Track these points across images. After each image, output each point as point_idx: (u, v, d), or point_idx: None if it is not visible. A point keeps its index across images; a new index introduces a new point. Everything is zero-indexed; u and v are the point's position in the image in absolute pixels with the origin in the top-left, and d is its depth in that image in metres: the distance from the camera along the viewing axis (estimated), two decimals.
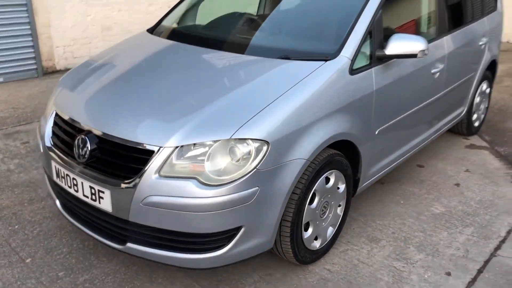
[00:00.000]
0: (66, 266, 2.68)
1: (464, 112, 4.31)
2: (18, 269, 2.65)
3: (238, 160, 2.21)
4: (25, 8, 6.26)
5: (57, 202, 2.76)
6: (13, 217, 3.14)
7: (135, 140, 2.28)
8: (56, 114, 2.73)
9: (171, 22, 3.57)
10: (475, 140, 4.62)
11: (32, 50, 6.46)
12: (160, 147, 2.22)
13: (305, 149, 2.39)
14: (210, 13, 3.64)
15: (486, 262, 2.80)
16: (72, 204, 2.63)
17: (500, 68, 7.04)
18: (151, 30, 3.50)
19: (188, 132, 2.24)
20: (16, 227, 3.04)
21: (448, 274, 2.69)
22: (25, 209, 3.24)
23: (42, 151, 2.76)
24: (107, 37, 7.26)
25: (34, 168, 3.84)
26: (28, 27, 6.35)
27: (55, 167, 2.59)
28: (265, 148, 2.24)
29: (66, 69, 6.85)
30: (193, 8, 3.69)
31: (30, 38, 6.41)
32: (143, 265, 2.69)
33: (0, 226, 3.05)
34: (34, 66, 6.51)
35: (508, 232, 3.10)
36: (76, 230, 2.99)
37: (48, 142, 2.69)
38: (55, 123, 2.73)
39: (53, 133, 2.71)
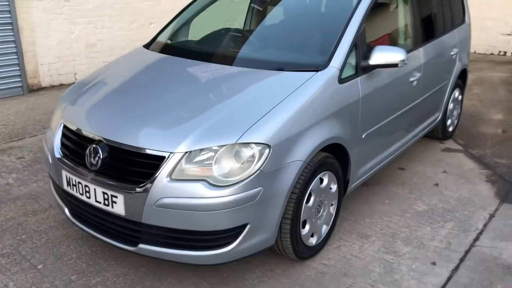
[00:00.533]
0: (78, 270, 2.82)
1: (439, 117, 4.62)
2: (31, 274, 2.78)
3: (243, 163, 2.42)
4: (10, 27, 6.35)
5: (66, 210, 2.90)
6: (19, 228, 3.26)
7: (146, 147, 2.46)
8: (64, 126, 2.89)
9: (165, 38, 3.76)
10: (450, 144, 4.94)
11: (18, 68, 6.53)
12: (171, 152, 2.41)
13: (302, 151, 2.61)
14: (202, 29, 3.86)
15: (467, 252, 3.06)
16: (82, 211, 2.77)
17: (469, 77, 7.47)
18: (147, 46, 3.69)
19: (196, 138, 2.44)
20: (24, 236, 3.16)
21: (434, 263, 2.94)
22: (30, 220, 3.36)
23: (51, 162, 2.90)
24: (91, 54, 7.39)
25: (33, 181, 3.95)
26: (14, 45, 6.43)
27: (66, 176, 2.74)
28: (267, 151, 2.45)
29: (51, 86, 6.96)
30: (186, 24, 3.89)
31: (16, 56, 6.49)
32: (151, 266, 2.85)
33: (8, 236, 3.16)
34: (20, 84, 6.58)
35: (485, 225, 3.38)
36: (83, 237, 3.13)
37: (58, 153, 2.83)
38: (63, 135, 2.88)
39: (62, 144, 2.86)
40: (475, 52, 9.93)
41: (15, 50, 6.46)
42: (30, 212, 3.46)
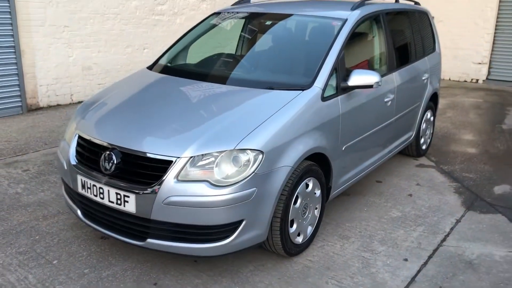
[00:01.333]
0: (89, 265, 3.15)
1: (413, 136, 5.09)
2: (47, 269, 3.09)
3: (240, 167, 2.81)
4: (13, 50, 6.72)
5: (79, 212, 3.24)
6: (32, 230, 3.57)
7: (156, 153, 2.84)
8: (79, 137, 3.25)
9: (166, 61, 4.18)
10: (423, 160, 5.40)
11: (18, 88, 6.88)
12: (177, 157, 2.79)
13: (290, 158, 3.01)
14: (197, 54, 4.29)
15: (435, 250, 3.47)
16: (94, 211, 3.11)
17: (443, 102, 8.03)
18: (150, 67, 4.10)
19: (199, 145, 2.83)
20: (37, 237, 3.47)
21: (406, 260, 3.33)
22: (41, 223, 3.67)
23: (65, 168, 3.25)
24: (87, 77, 7.77)
25: (41, 191, 4.27)
26: (15, 67, 6.80)
27: (81, 180, 3.09)
28: (260, 156, 2.85)
29: (49, 106, 7.30)
30: (183, 50, 4.32)
31: (16, 78, 6.85)
32: (155, 262, 3.19)
33: (22, 237, 3.47)
34: (19, 104, 6.92)
35: (452, 229, 3.80)
36: (92, 238, 3.46)
37: (73, 160, 3.19)
38: (78, 144, 3.24)
39: (77, 152, 3.22)
40: (450, 79, 10.56)
41: (16, 72, 6.83)
42: (41, 217, 3.77)
